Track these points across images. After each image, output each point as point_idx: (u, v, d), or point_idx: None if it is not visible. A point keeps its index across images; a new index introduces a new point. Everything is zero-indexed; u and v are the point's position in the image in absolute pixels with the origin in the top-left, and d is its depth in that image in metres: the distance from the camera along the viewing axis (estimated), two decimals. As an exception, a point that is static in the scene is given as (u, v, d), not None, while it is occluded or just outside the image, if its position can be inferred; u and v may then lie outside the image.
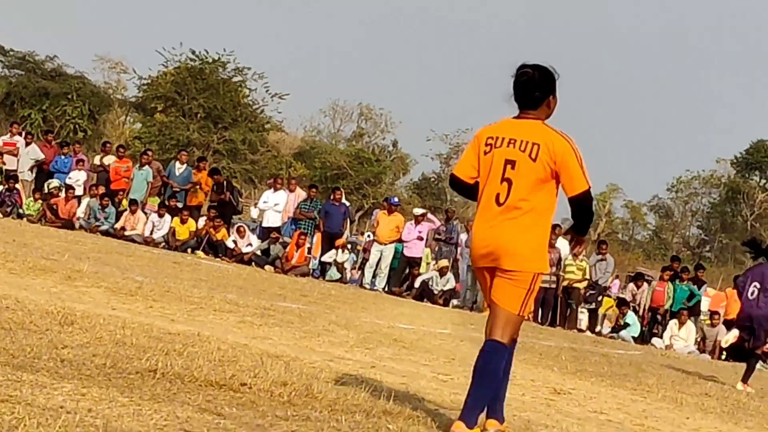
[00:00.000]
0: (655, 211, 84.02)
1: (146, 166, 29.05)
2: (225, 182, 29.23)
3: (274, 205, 28.04)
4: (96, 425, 5.17)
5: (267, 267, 26.05)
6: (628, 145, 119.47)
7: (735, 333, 16.66)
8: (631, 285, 29.40)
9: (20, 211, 27.96)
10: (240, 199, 30.90)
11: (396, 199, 29.60)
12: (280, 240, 26.94)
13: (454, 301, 26.59)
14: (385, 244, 27.25)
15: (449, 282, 26.68)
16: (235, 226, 27.99)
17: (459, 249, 27.52)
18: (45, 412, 5.25)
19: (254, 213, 31.94)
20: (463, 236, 27.13)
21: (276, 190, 28.40)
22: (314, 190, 29.60)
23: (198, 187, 28.51)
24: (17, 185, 28.44)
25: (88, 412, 5.50)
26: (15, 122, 35.06)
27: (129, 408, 5.80)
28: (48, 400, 5.59)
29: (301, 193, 28.69)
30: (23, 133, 31.66)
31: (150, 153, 30.92)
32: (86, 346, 7.66)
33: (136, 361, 7.32)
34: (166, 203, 28.13)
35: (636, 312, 27.60)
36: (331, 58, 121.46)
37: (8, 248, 16.45)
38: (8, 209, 27.95)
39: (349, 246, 28.71)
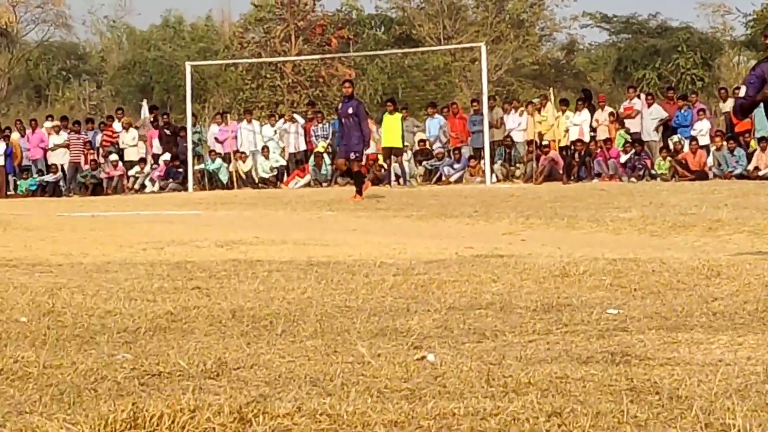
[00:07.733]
0: None
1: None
2: None
3: None
4: (757, 372, 5.14)
5: None
6: None
7: None
8: None
9: (652, 172, 28.36)
10: None
11: None
12: None
13: None
14: None
15: None
16: None
17: None
18: (704, 368, 5.29)
19: None
20: None
21: None
22: None
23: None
24: (645, 148, 28.88)
25: (746, 360, 5.48)
26: (631, 86, 35.46)
27: (787, 350, 5.73)
28: (705, 356, 5.64)
29: None
30: (641, 96, 32.04)
31: None
32: (736, 295, 7.64)
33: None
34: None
35: None
36: None
37: (646, 211, 16.79)
38: (640, 173, 28.47)
39: None
